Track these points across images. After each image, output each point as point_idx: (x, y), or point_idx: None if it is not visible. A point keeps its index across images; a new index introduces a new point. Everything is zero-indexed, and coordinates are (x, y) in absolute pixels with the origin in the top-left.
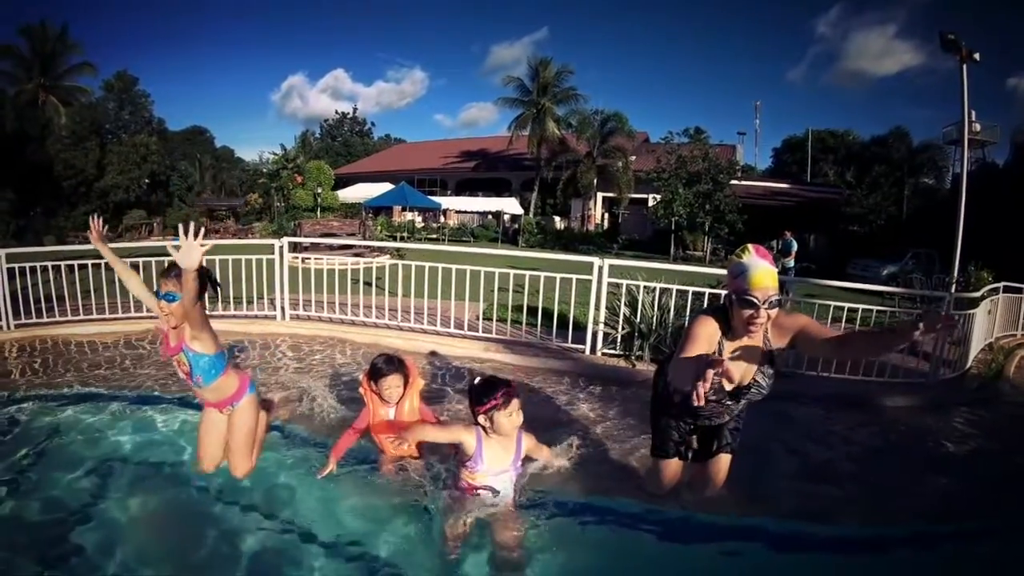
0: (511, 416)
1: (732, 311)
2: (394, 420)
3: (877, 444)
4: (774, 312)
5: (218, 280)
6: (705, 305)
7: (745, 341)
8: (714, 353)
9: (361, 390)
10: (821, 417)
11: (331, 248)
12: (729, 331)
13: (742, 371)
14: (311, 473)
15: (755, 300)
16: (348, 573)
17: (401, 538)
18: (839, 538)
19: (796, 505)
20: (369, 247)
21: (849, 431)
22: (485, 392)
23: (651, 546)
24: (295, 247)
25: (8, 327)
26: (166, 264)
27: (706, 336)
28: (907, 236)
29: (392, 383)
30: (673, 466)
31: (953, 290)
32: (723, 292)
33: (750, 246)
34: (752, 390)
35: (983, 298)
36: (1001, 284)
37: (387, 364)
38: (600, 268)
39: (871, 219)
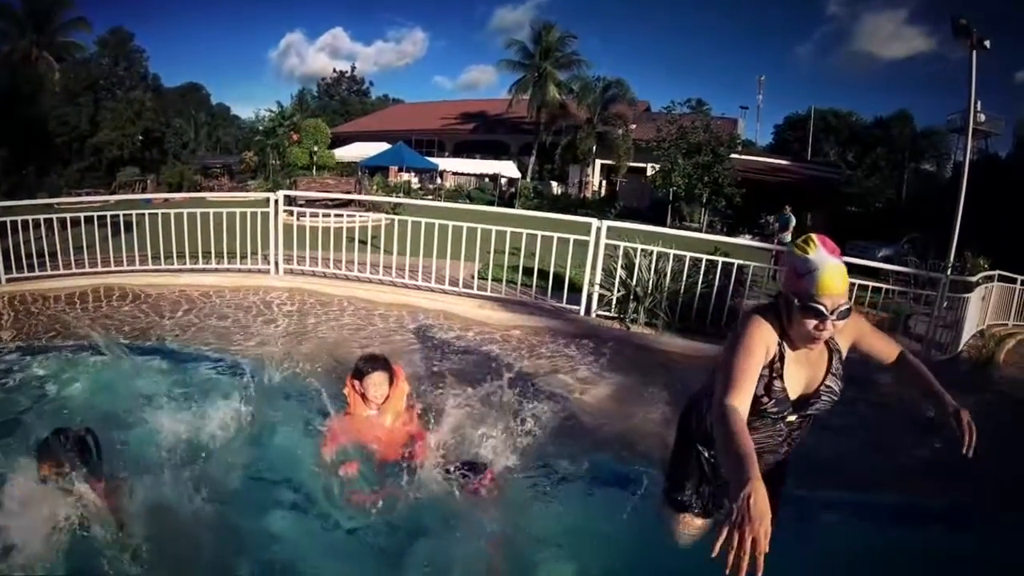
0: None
1: (789, 316)
2: (375, 423)
3: (867, 415)
4: (842, 324)
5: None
6: (702, 268)
7: (807, 352)
8: (773, 364)
9: (345, 390)
10: None
11: (327, 205)
12: (785, 336)
13: (807, 379)
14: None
15: (823, 309)
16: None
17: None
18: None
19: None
20: (367, 201)
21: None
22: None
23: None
24: (290, 201)
25: (1, 282)
26: None
27: (762, 343)
28: (904, 220)
29: (376, 381)
30: (696, 523)
31: (949, 273)
32: (777, 290)
33: (815, 237)
34: (823, 398)
35: (978, 284)
36: (996, 272)
37: (371, 363)
38: (598, 229)
39: (869, 201)
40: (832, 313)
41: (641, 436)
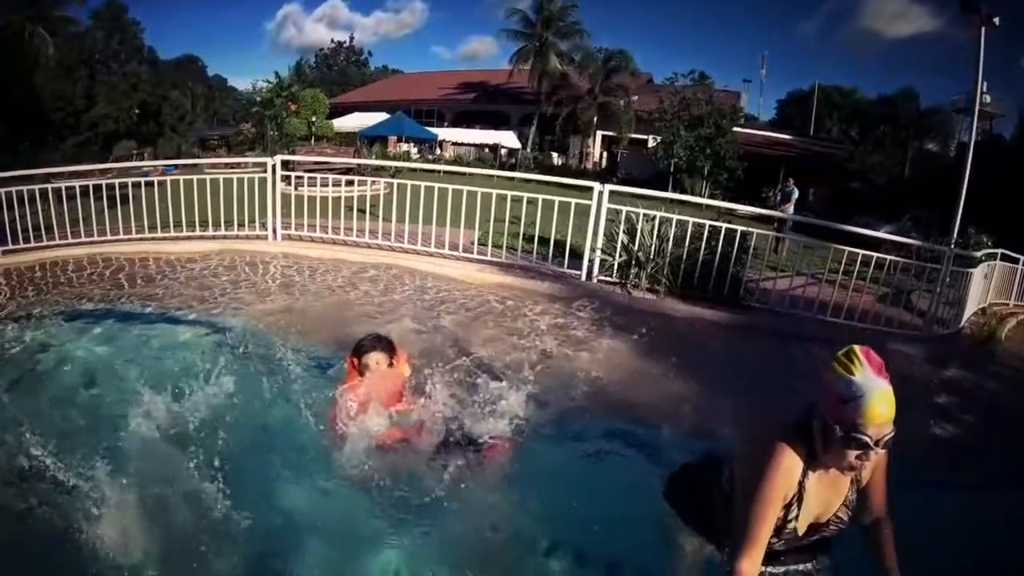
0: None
1: (826, 444)
2: (370, 403)
3: None
4: (884, 453)
5: None
6: (705, 234)
7: (832, 474)
8: (790, 504)
9: (346, 365)
10: (818, 358)
11: (327, 168)
12: (813, 460)
13: (822, 507)
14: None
15: (868, 440)
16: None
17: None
18: None
19: None
20: (368, 165)
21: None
22: None
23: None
24: (287, 165)
25: None
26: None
27: (784, 485)
28: (907, 198)
29: (375, 359)
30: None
31: (952, 246)
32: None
33: (859, 352)
34: (830, 527)
35: (981, 260)
36: (999, 251)
37: (372, 342)
38: (600, 193)
39: (872, 177)
40: (877, 444)
41: (644, 400)
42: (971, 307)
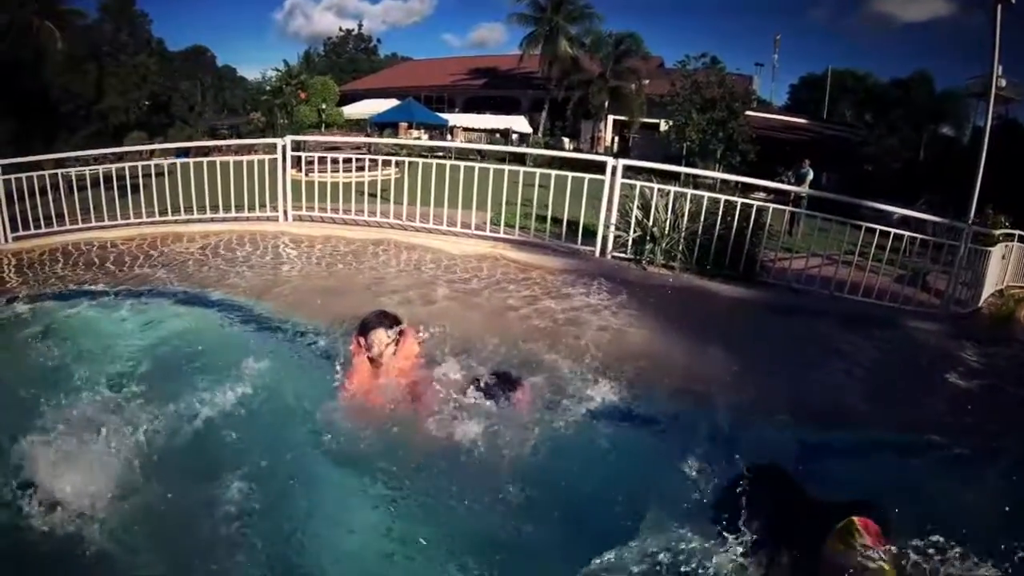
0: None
1: None
2: (378, 379)
3: (890, 361)
4: None
5: None
6: (720, 209)
7: None
8: None
9: (352, 348)
10: (838, 333)
11: (338, 147)
12: None
13: None
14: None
15: None
16: None
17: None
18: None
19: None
20: (380, 144)
21: (864, 346)
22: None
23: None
24: (298, 146)
25: (7, 240)
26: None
27: None
28: (922, 182)
29: (382, 338)
30: None
31: (970, 222)
32: None
33: (858, 525)
34: None
35: (999, 240)
36: (1016, 232)
37: (379, 318)
38: (614, 168)
39: (887, 161)
40: None
41: (664, 371)
42: (989, 288)
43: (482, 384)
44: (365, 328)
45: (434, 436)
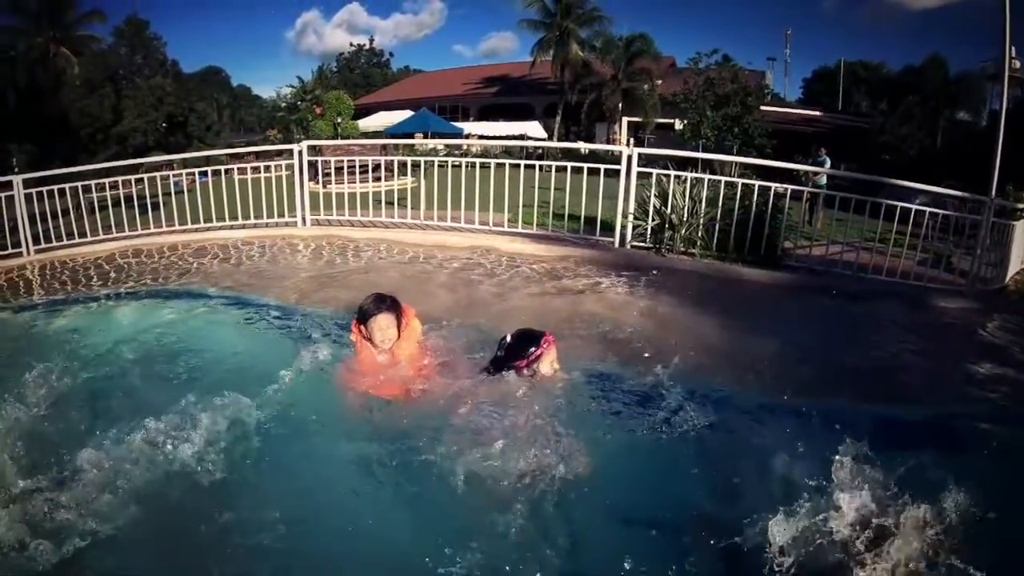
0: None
1: None
2: (387, 368)
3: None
4: None
5: None
6: (738, 193)
7: None
8: None
9: (352, 337)
10: (878, 311)
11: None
12: None
13: None
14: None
15: None
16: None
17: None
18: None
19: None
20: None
21: (909, 324)
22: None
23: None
24: (314, 150)
25: (28, 252)
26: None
27: None
28: (940, 168)
29: (382, 324)
30: None
31: (993, 195)
32: None
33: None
34: None
35: (1022, 215)
36: None
37: (377, 303)
38: (629, 157)
39: (903, 149)
40: None
41: (713, 354)
42: (1015, 266)
43: (505, 343)
44: (364, 315)
45: (453, 423)
